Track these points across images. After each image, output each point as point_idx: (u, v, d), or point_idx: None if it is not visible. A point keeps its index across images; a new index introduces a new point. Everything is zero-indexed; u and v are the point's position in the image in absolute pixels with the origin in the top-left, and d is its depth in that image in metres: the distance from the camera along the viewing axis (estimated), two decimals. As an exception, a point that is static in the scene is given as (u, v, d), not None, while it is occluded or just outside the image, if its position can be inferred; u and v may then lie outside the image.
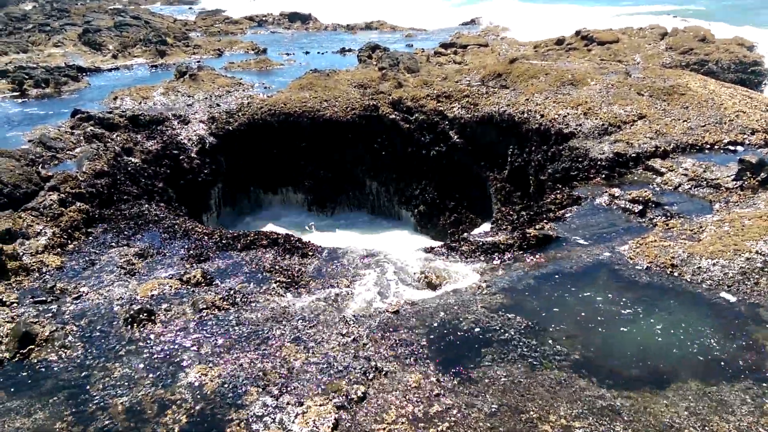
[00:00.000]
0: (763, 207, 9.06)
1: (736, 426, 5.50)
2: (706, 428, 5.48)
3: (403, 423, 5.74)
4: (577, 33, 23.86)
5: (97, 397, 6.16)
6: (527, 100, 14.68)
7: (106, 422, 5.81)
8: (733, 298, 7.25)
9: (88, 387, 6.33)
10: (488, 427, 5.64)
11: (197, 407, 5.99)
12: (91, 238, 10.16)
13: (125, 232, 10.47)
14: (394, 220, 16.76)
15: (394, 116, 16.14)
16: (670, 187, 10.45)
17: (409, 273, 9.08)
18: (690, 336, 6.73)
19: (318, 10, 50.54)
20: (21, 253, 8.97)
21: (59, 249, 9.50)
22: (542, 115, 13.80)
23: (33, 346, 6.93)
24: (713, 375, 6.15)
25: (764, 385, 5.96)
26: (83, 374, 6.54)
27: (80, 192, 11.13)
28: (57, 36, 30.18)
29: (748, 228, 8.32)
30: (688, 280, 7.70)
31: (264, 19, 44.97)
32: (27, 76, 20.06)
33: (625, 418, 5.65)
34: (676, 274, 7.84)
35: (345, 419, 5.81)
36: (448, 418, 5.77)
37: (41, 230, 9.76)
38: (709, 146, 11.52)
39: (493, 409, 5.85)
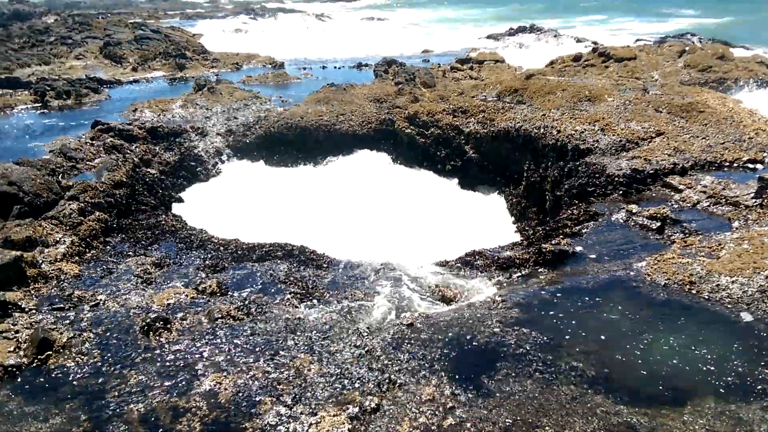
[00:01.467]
0: (783, 225, 8.95)
1: (756, 446, 5.40)
2: (726, 448, 5.39)
3: (416, 436, 5.70)
4: (594, 50, 23.88)
5: (113, 404, 6.21)
6: (544, 115, 14.69)
7: (122, 428, 5.85)
8: (750, 317, 7.15)
9: (104, 393, 6.38)
10: (503, 442, 5.59)
11: (212, 415, 6.00)
12: (108, 247, 10.29)
13: (142, 242, 10.59)
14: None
15: (410, 130, 16.21)
16: (689, 204, 10.36)
17: (424, 286, 9.07)
18: (708, 354, 6.63)
19: (333, 27, 51.15)
20: (40, 261, 9.10)
21: (77, 257, 9.63)
22: (559, 131, 13.79)
23: (51, 352, 7.00)
24: (731, 393, 6.05)
25: (785, 405, 5.85)
26: (99, 381, 6.59)
27: (99, 202, 11.30)
28: (78, 48, 30.82)
29: (767, 246, 8.21)
30: (707, 297, 7.61)
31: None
32: (49, 88, 20.47)
33: (643, 436, 5.57)
34: (694, 291, 7.75)
35: (359, 430, 5.79)
36: (462, 432, 5.73)
37: (60, 238, 9.91)
38: (728, 164, 11.43)
39: (507, 424, 5.80)
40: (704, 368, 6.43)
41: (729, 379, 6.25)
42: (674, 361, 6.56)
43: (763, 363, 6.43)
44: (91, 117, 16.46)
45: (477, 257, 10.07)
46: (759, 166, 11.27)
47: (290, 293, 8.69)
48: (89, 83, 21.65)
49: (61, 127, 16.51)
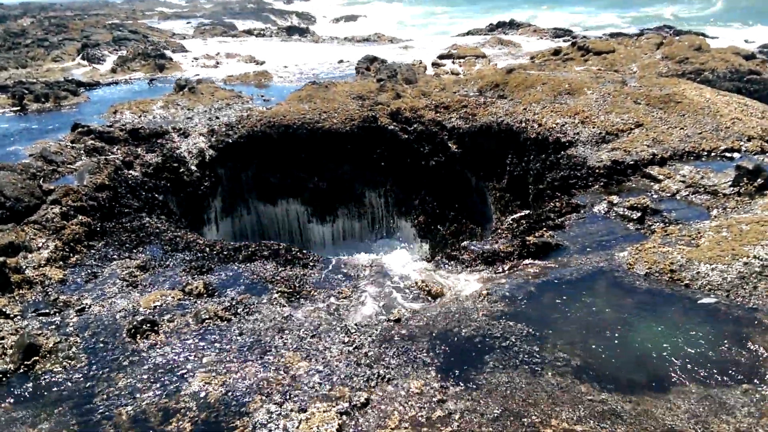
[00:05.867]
0: (760, 212, 9.15)
1: (736, 427, 5.55)
2: (707, 430, 5.52)
3: (406, 428, 5.77)
4: (574, 44, 24.09)
5: (101, 407, 6.19)
6: (525, 109, 14.82)
7: (111, 431, 5.84)
8: (713, 300, 7.32)
9: (92, 397, 6.36)
10: (491, 431, 5.67)
11: (201, 415, 6.02)
12: (93, 251, 10.21)
13: (127, 245, 10.53)
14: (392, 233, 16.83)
15: (392, 127, 16.26)
16: (668, 194, 10.54)
17: (410, 282, 9.13)
18: (690, 340, 6.78)
19: (315, 26, 50.97)
20: (24, 266, 9.02)
21: (62, 262, 9.55)
22: (540, 124, 13.93)
23: (37, 358, 6.96)
24: (713, 378, 6.20)
25: (763, 387, 6.01)
26: (88, 385, 6.57)
27: (82, 205, 11.20)
28: (56, 51, 30.40)
29: (745, 233, 8.40)
30: (687, 285, 7.77)
31: (262, 32, 45.31)
32: (27, 91, 20.18)
33: (627, 422, 5.69)
34: (675, 279, 7.90)
35: (348, 425, 5.85)
36: (451, 423, 5.81)
37: (44, 243, 9.82)
38: (706, 153, 11.64)
39: (495, 414, 5.89)
40: (686, 355, 6.57)
41: (711, 364, 6.40)
42: (657, 349, 6.70)
43: (743, 348, 6.59)
44: (71, 120, 16.26)
45: (462, 252, 10.16)
46: (736, 154, 11.49)
47: (277, 292, 8.70)
48: (67, 85, 21.37)
49: (40, 130, 16.29)
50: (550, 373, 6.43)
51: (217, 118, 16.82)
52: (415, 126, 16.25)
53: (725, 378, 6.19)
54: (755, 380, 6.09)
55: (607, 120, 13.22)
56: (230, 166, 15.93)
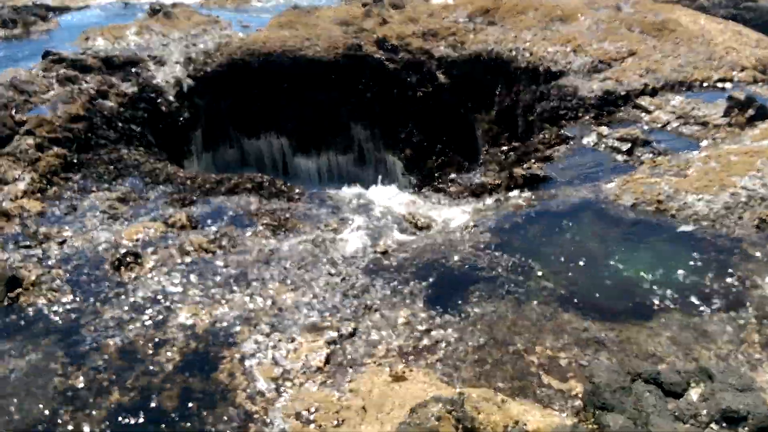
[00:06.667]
0: (749, 143, 9.09)
1: (716, 353, 5.69)
2: (688, 356, 5.66)
3: (393, 356, 5.85)
4: (566, -32, 23.17)
5: (88, 339, 6.17)
6: (515, 37, 14.34)
7: (100, 362, 5.84)
8: (691, 227, 7.36)
9: (79, 329, 6.32)
10: (476, 359, 5.77)
11: (190, 346, 6.03)
12: (70, 183, 9.93)
13: (105, 177, 10.23)
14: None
15: (378, 55, 15.72)
16: (659, 125, 10.40)
17: (397, 215, 9.06)
18: (674, 270, 6.84)
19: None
20: (1, 199, 8.77)
21: (39, 194, 9.29)
22: (531, 53, 13.53)
23: (21, 290, 6.86)
24: (696, 307, 6.31)
25: (744, 316, 6.13)
26: (73, 317, 6.52)
27: (56, 137, 10.80)
28: (22, -27, 28.61)
29: (733, 164, 8.36)
30: (674, 215, 7.77)
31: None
32: (-7, 16, 19.09)
33: (610, 349, 5.80)
34: (661, 209, 7.90)
35: (336, 354, 5.90)
36: (437, 352, 5.89)
37: (19, 175, 9.51)
38: (698, 83, 11.41)
39: (480, 342, 5.97)
40: (670, 284, 6.65)
41: (694, 293, 6.49)
42: (641, 278, 6.77)
43: (727, 277, 6.67)
44: (41, 47, 15.45)
45: (449, 184, 10.06)
46: (728, 84, 11.29)
47: (262, 225, 8.59)
48: (37, 10, 20.22)
49: (9, 58, 15.53)
50: (534, 303, 6.49)
51: (195, 45, 16.10)
52: (402, 54, 15.72)
53: (708, 306, 6.29)
54: (737, 308, 6.20)
55: (600, 48, 12.86)
56: (209, 96, 15.40)
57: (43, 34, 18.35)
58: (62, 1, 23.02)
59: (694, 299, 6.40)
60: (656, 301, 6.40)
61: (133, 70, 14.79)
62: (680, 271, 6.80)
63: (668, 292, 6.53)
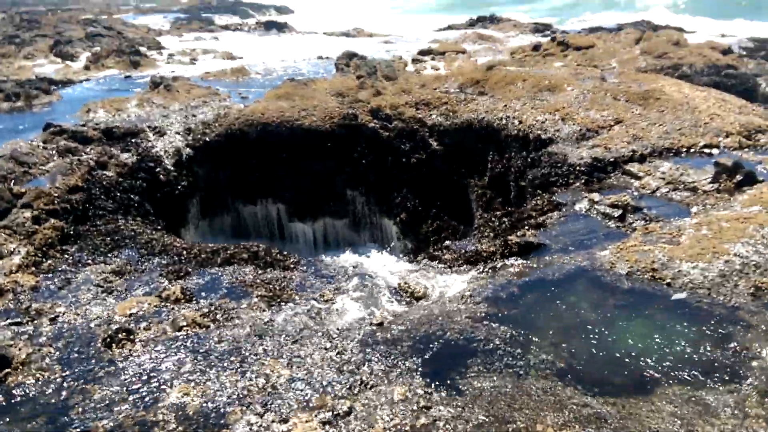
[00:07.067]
0: (739, 209, 9.21)
1: (720, 429, 5.55)
2: (692, 433, 5.52)
3: (390, 438, 5.68)
4: (553, 39, 24.17)
5: (77, 421, 6.00)
6: (505, 106, 14.78)
7: (86, 448, 5.66)
8: (684, 295, 7.35)
9: (67, 410, 6.16)
10: (476, 439, 5.61)
11: (179, 428, 5.86)
12: (66, 255, 9.92)
13: (101, 249, 10.25)
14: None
15: (373, 124, 16.11)
16: (648, 191, 10.57)
17: (392, 284, 9.03)
18: (673, 340, 6.78)
19: (294, 20, 50.51)
20: (-7, 274, 8.73)
21: (34, 268, 9.26)
22: (521, 121, 13.90)
23: (9, 370, 6.73)
24: (697, 379, 6.20)
25: (747, 387, 6.02)
26: (62, 397, 6.36)
27: (54, 208, 10.89)
28: (28, 47, 29.64)
29: (725, 230, 8.44)
30: (669, 284, 7.77)
31: (240, 27, 44.76)
32: (-3, 90, 19.61)
33: (612, 425, 5.67)
34: (656, 278, 7.91)
35: (331, 436, 5.74)
36: (435, 431, 5.73)
37: (15, 249, 9.52)
38: (685, 150, 11.70)
39: (480, 420, 5.83)
40: (670, 355, 6.57)
41: (694, 365, 6.40)
42: (640, 349, 6.69)
43: (726, 348, 6.60)
44: (43, 119, 15.82)
45: (445, 251, 10.09)
46: (715, 150, 11.57)
47: (257, 296, 8.54)
48: (39, 84, 20.82)
49: (11, 130, 15.84)
50: (534, 377, 6.38)
51: (194, 116, 16.51)
52: (395, 123, 16.12)
53: (708, 379, 6.19)
54: (738, 380, 6.11)
55: (587, 117, 13.24)
56: (208, 165, 15.65)
57: (46, 106, 18.81)
58: (65, 74, 23.76)
59: (694, 371, 6.31)
60: (656, 374, 6.31)
61: (133, 140, 15.09)
62: (679, 341, 6.74)
63: (667, 363, 6.44)
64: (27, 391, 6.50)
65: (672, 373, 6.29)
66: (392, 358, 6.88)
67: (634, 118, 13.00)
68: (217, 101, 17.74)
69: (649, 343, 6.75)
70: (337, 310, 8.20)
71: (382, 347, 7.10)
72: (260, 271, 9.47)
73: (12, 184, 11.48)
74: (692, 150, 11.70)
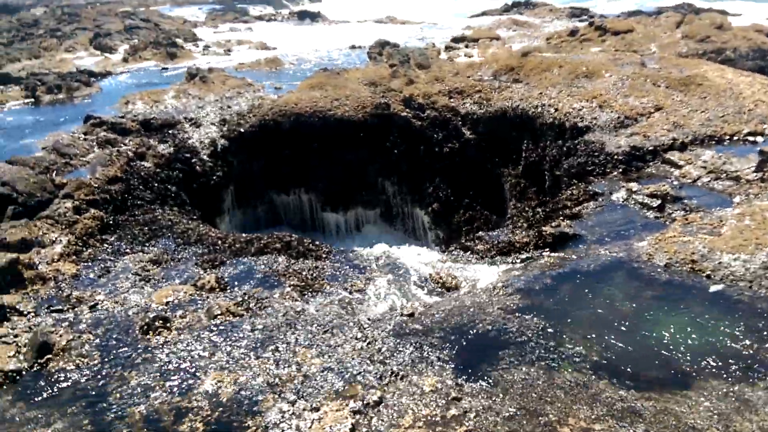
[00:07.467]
0: (785, 199, 8.85)
1: (759, 426, 5.37)
2: (729, 428, 5.36)
3: (420, 427, 5.68)
4: (591, 23, 23.53)
5: (114, 406, 6.18)
6: (541, 93, 14.49)
7: (124, 431, 5.83)
8: (720, 287, 7.11)
9: (105, 396, 6.35)
10: (506, 430, 5.56)
11: (214, 415, 5.98)
12: (105, 245, 10.21)
13: (139, 239, 10.51)
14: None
15: (405, 113, 16.03)
16: (689, 181, 10.24)
17: (424, 275, 9.01)
18: (711, 334, 6.58)
19: (327, 9, 50.51)
20: (37, 262, 9.04)
21: (74, 257, 9.56)
22: (556, 109, 13.62)
23: (51, 356, 6.97)
24: (735, 374, 6.01)
25: (790, 384, 5.81)
26: (101, 383, 6.56)
27: (94, 199, 11.20)
28: (68, 41, 30.42)
29: (769, 221, 8.13)
30: (709, 276, 7.53)
31: (273, 17, 45.00)
32: (39, 83, 20.21)
33: (647, 420, 5.54)
34: (696, 270, 7.67)
35: (362, 424, 5.77)
36: (466, 422, 5.70)
37: (56, 238, 9.83)
38: (728, 137, 11.28)
39: (511, 413, 5.77)
40: (708, 349, 6.38)
41: (733, 359, 6.21)
42: (677, 343, 6.52)
43: (766, 342, 6.37)
44: (83, 111, 16.26)
45: (477, 242, 10.00)
46: (759, 138, 11.12)
47: (290, 286, 8.63)
48: (80, 76, 21.37)
49: (53, 122, 16.32)
50: (567, 370, 6.28)
51: (229, 107, 16.71)
52: (428, 112, 16.00)
53: (748, 374, 5.99)
54: (781, 377, 5.89)
55: (626, 104, 12.88)
56: (242, 155, 15.84)
57: (86, 98, 19.31)
58: (104, 67, 24.32)
59: (733, 365, 6.11)
60: (693, 368, 6.13)
61: (170, 131, 15.38)
62: (718, 336, 6.53)
63: (706, 357, 6.26)
64: (67, 376, 6.72)
65: (710, 368, 6.11)
66: (423, 348, 6.86)
67: (675, 104, 12.59)
68: (251, 92, 17.90)
69: (687, 337, 6.57)
70: (368, 300, 8.22)
71: (412, 338, 7.09)
72: (293, 261, 9.56)
73: (54, 174, 11.84)
74: (735, 138, 11.27)
